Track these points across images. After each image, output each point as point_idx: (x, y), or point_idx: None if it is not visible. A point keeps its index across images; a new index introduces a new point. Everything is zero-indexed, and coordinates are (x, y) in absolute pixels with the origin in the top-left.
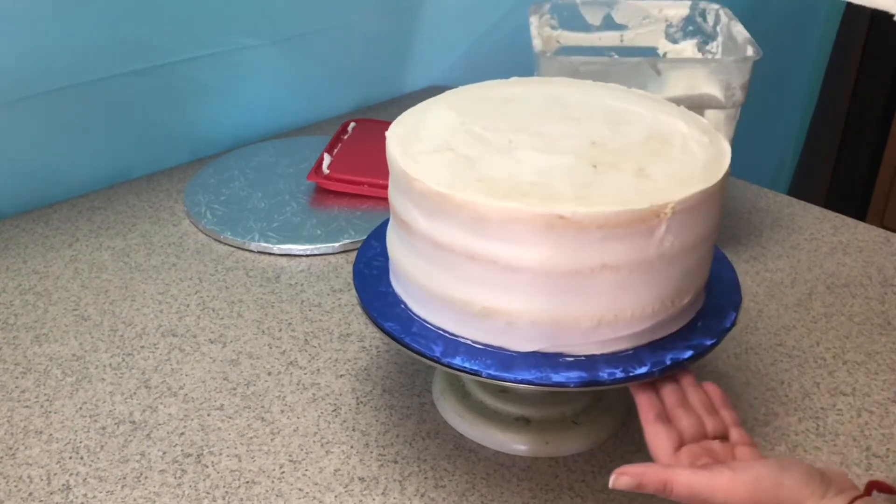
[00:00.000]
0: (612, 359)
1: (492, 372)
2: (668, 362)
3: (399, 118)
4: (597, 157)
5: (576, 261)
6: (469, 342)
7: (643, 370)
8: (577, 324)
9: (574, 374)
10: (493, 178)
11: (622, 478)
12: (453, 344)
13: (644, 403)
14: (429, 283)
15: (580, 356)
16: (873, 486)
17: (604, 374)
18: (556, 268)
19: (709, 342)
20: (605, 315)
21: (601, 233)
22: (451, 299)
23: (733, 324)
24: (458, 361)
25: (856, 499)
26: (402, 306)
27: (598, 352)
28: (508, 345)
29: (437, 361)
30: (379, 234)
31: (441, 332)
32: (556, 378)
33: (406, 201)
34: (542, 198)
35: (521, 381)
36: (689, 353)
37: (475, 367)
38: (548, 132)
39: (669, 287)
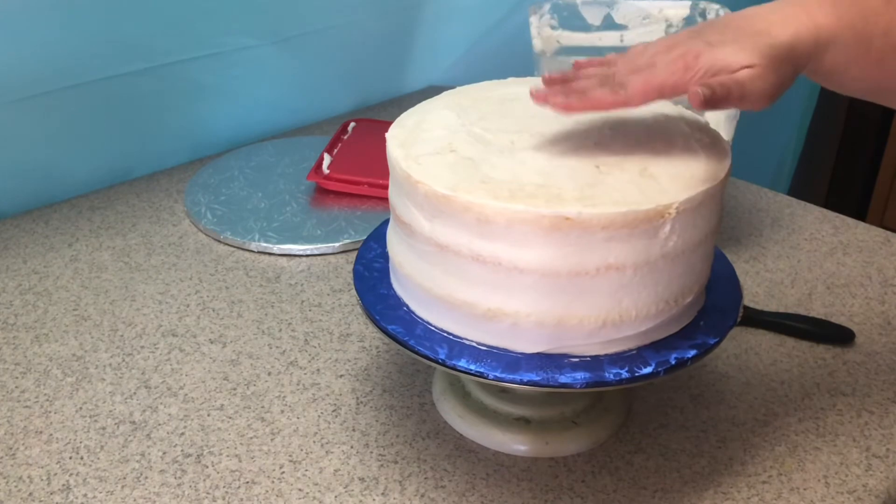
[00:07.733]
0: (616, 359)
1: (497, 374)
2: (673, 361)
3: (398, 120)
4: (600, 157)
5: (581, 262)
6: (474, 344)
7: (648, 370)
8: (582, 325)
9: (580, 375)
10: (497, 180)
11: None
12: (458, 346)
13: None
14: (432, 286)
15: (585, 357)
16: None
17: (609, 375)
18: (561, 269)
19: (712, 340)
20: (610, 315)
21: (606, 233)
22: (454, 301)
23: (735, 322)
24: (463, 364)
25: None
26: (405, 309)
27: (602, 352)
28: (513, 346)
29: (443, 364)
30: (378, 235)
31: (445, 334)
32: (562, 379)
33: (408, 203)
34: (547, 199)
35: (527, 383)
36: (692, 353)
37: (480, 370)
38: (549, 133)
39: (673, 286)
